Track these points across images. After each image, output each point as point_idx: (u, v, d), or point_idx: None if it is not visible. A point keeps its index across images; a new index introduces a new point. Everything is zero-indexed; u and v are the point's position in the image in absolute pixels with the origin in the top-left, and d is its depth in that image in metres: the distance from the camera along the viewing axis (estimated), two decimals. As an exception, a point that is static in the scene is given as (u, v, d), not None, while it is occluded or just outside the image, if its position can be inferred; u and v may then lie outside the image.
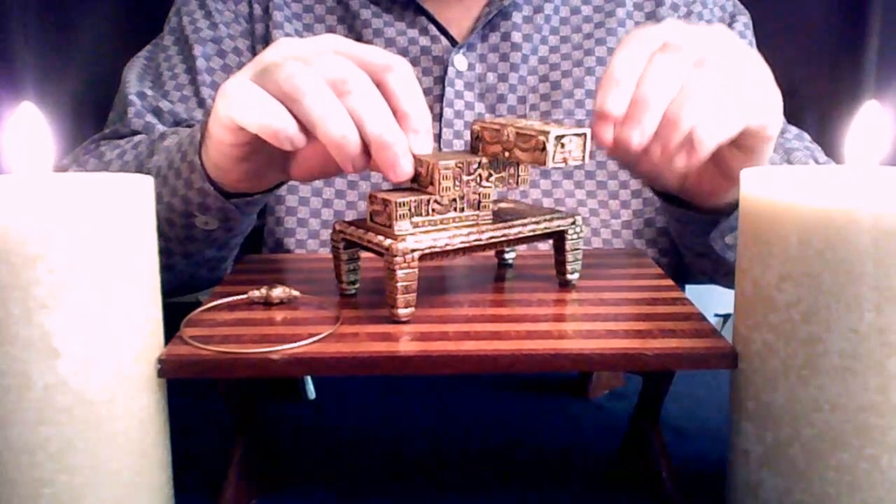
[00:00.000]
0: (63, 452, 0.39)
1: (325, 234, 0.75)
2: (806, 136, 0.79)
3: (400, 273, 0.45)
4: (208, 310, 0.49)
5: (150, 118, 0.75)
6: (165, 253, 0.58)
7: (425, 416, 0.59)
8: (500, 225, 0.50)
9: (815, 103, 0.95)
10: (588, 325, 0.46)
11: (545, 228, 0.51)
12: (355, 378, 0.56)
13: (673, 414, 0.57)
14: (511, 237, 0.50)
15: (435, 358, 0.42)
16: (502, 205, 0.55)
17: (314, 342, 0.43)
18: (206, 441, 0.50)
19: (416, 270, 0.46)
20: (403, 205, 0.47)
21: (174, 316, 0.47)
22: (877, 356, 0.38)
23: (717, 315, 1.02)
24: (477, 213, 0.49)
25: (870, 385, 0.38)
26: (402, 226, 0.47)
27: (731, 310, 0.45)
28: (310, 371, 0.52)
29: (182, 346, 0.43)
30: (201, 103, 0.76)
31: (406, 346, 0.43)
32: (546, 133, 0.46)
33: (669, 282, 0.54)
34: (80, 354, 0.38)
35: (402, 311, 0.46)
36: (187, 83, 0.77)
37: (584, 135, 0.47)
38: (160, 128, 0.74)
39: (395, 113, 0.47)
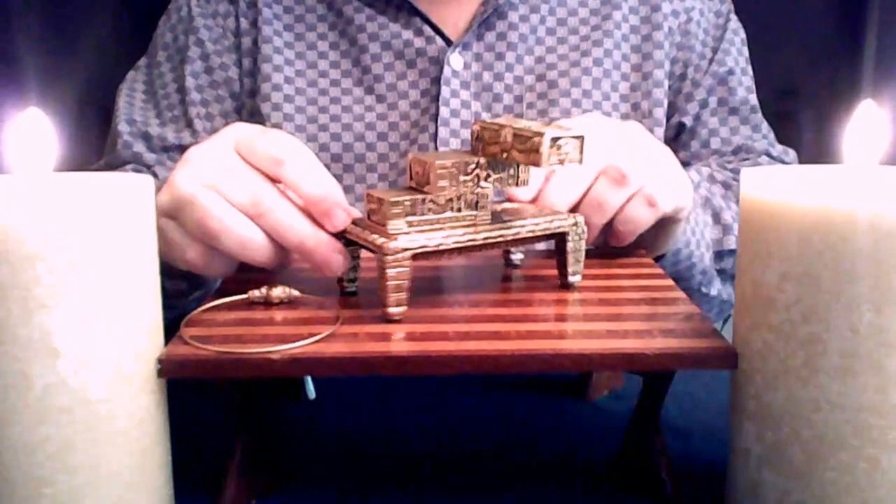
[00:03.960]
0: (63, 452, 0.39)
1: None
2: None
3: (391, 272, 0.45)
4: (208, 310, 0.49)
5: (138, 147, 0.77)
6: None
7: (425, 416, 0.59)
8: (498, 225, 0.50)
9: (813, 103, 0.95)
10: (588, 325, 0.46)
11: (545, 230, 0.51)
12: (355, 378, 0.56)
13: (673, 414, 0.57)
14: (508, 238, 0.50)
15: (435, 358, 0.42)
16: (507, 205, 0.54)
17: (314, 342, 0.43)
18: (206, 441, 0.50)
19: (409, 269, 0.46)
20: (397, 203, 0.47)
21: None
22: (876, 356, 0.38)
23: (716, 315, 1.02)
24: (475, 213, 0.49)
25: (869, 385, 0.38)
26: (396, 224, 0.47)
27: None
28: (310, 371, 0.52)
29: (182, 346, 0.43)
30: (189, 123, 0.77)
31: (406, 346, 0.43)
32: (541, 134, 0.46)
33: (669, 282, 0.54)
34: (80, 354, 0.38)
35: (393, 310, 0.46)
36: (178, 103, 0.78)
37: (581, 137, 0.47)
38: (148, 157, 0.76)
39: (305, 201, 0.48)
